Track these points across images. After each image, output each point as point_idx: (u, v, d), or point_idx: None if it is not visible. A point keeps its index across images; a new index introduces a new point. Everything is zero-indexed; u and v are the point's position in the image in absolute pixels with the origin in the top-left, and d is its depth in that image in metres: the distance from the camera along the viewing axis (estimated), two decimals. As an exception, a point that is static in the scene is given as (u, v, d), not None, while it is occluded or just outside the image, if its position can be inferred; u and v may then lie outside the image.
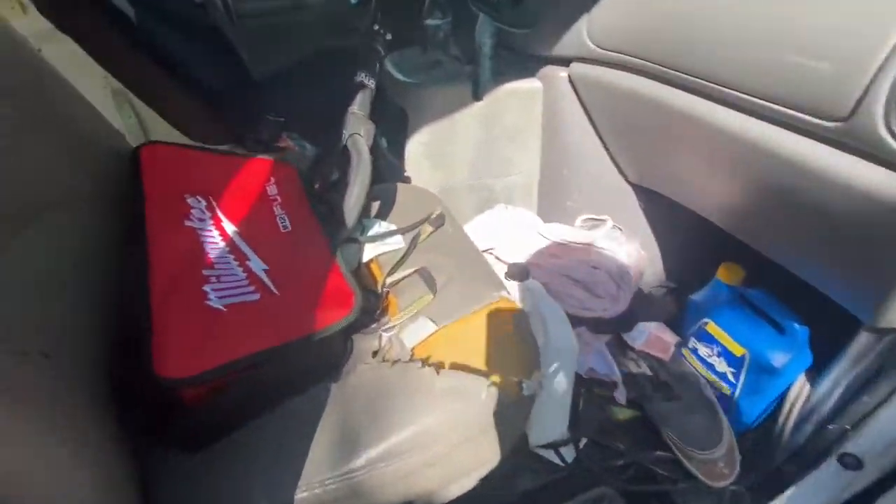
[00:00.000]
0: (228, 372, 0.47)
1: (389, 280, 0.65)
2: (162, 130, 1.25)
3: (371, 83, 0.74)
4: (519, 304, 0.71)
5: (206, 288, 0.52)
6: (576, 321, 0.83)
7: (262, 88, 1.36)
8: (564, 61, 0.80)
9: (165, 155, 0.64)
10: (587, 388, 0.83)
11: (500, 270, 0.89)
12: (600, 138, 0.84)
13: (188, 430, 0.48)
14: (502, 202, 0.99)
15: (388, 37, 0.77)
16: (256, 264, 0.58)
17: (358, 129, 0.70)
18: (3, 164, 0.45)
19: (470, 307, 0.58)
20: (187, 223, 0.58)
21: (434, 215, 0.75)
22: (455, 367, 0.51)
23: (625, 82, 0.71)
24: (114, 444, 0.43)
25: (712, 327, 0.81)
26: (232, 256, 0.57)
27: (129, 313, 0.49)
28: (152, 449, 0.48)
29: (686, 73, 0.59)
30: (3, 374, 0.33)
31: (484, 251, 0.92)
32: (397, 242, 0.72)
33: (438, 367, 0.50)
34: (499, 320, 0.56)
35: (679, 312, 0.90)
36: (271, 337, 0.50)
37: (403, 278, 0.66)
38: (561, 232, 0.90)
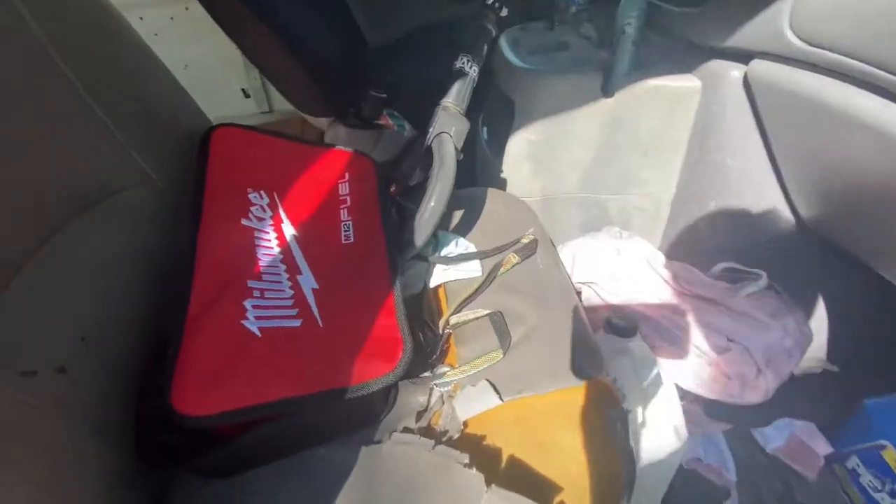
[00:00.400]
0: (250, 415, 0.40)
1: (454, 319, 0.54)
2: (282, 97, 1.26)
3: (473, 70, 0.60)
4: (614, 373, 0.56)
5: (247, 304, 0.46)
6: (687, 393, 0.65)
7: (373, 61, 1.30)
8: (742, 56, 0.58)
9: (236, 141, 0.58)
10: (685, 481, 0.65)
11: (598, 309, 0.73)
12: (773, 163, 0.62)
13: (205, 460, 0.44)
14: (616, 225, 0.81)
15: (504, 12, 0.62)
16: (307, 280, 0.50)
17: (447, 128, 0.58)
18: (63, 143, 0.42)
19: (549, 384, 0.45)
20: (245, 221, 0.52)
21: (525, 241, 0.61)
22: (513, 474, 0.38)
23: (838, 94, 0.48)
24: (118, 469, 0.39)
25: (890, 453, 0.57)
26: (284, 267, 0.51)
27: (164, 324, 0.45)
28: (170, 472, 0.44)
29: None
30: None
31: (581, 283, 0.76)
32: (473, 269, 0.60)
33: (490, 473, 0.38)
34: (587, 415, 0.42)
35: (841, 414, 0.66)
36: (304, 381, 0.43)
37: (471, 321, 0.54)
38: (690, 278, 0.70)
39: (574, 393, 0.44)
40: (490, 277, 0.57)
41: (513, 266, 0.59)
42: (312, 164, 0.61)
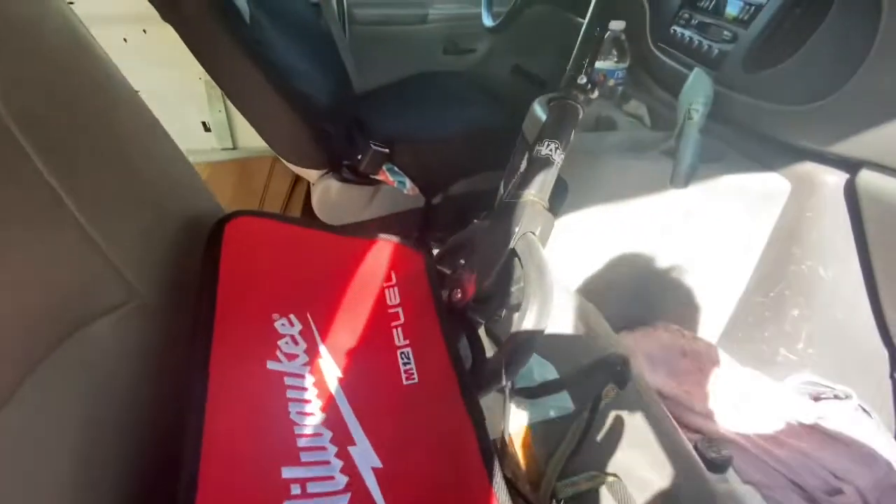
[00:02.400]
0: None
1: (563, 488, 0.40)
2: (250, 132, 1.09)
3: (560, 157, 0.50)
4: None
5: (284, 509, 0.30)
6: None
7: (374, 113, 1.18)
8: (845, 163, 0.53)
9: (255, 236, 0.43)
10: None
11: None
12: (871, 277, 0.56)
13: None
14: (669, 319, 0.72)
15: (595, 94, 0.53)
16: (364, 456, 0.35)
17: (533, 226, 0.46)
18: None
19: None
20: (271, 364, 0.37)
21: (617, 363, 0.50)
22: None
23: None
24: None
25: None
26: (330, 435, 0.35)
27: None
28: None
29: None
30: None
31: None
32: (563, 404, 0.47)
33: None
34: None
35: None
36: None
37: (585, 491, 0.40)
38: (769, 392, 0.61)
39: None
40: (590, 417, 0.44)
41: (612, 399, 0.47)
42: (352, 266, 0.47)
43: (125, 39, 1.51)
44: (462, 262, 0.53)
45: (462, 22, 1.51)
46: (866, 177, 0.51)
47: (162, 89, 1.58)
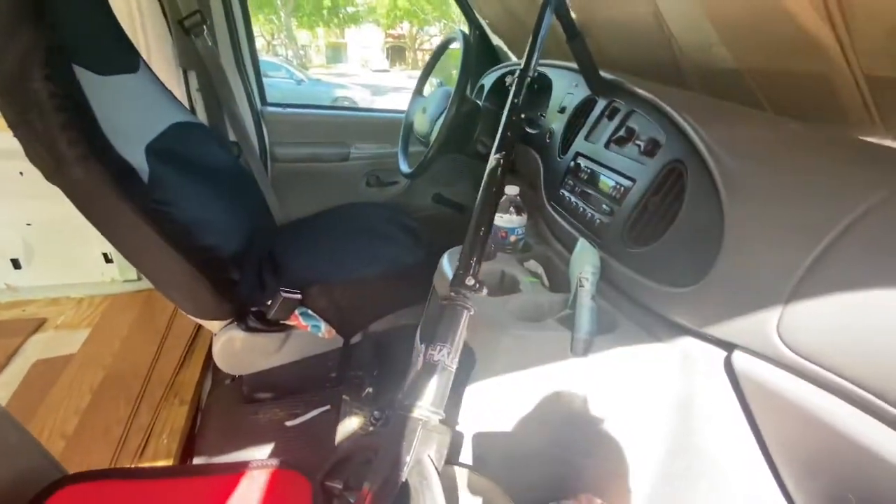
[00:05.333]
0: None
1: None
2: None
3: (453, 364, 0.48)
4: None
5: None
6: None
7: (284, 248, 1.15)
8: (723, 344, 0.56)
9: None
10: None
11: None
12: (764, 451, 0.57)
13: None
14: (589, 490, 0.69)
15: (484, 292, 0.53)
16: None
17: (428, 448, 0.43)
18: None
19: None
20: None
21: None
22: None
23: (825, 406, 0.46)
24: None
25: None
26: None
27: None
28: None
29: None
30: None
31: None
32: None
33: None
34: None
35: None
36: None
37: None
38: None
39: None
40: None
41: None
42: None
43: (21, 173, 1.43)
44: (355, 478, 0.47)
45: (383, 159, 1.60)
46: (739, 358, 0.55)
47: (59, 221, 1.47)
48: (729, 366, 0.56)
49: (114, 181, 0.77)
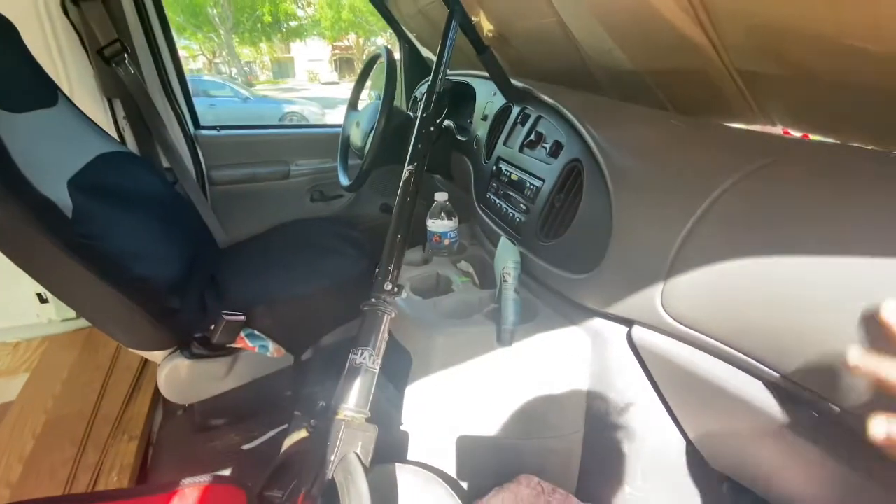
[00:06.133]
0: None
1: None
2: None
3: (376, 365, 0.52)
4: None
5: None
6: None
7: (228, 270, 1.15)
8: (623, 321, 0.63)
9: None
10: None
11: None
12: (671, 413, 0.63)
13: None
14: (530, 470, 0.74)
15: (404, 295, 0.57)
16: None
17: (352, 445, 0.46)
18: None
19: None
20: None
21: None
22: None
23: (703, 365, 0.53)
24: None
25: None
26: None
27: None
28: None
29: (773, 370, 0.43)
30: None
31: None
32: None
33: None
34: None
35: None
36: None
37: None
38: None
39: None
40: None
41: None
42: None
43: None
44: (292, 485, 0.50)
45: (325, 174, 1.62)
46: (637, 332, 0.61)
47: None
48: (630, 340, 0.62)
49: (33, 218, 0.76)
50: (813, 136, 0.87)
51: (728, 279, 0.50)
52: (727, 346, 0.50)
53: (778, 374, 0.46)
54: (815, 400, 0.43)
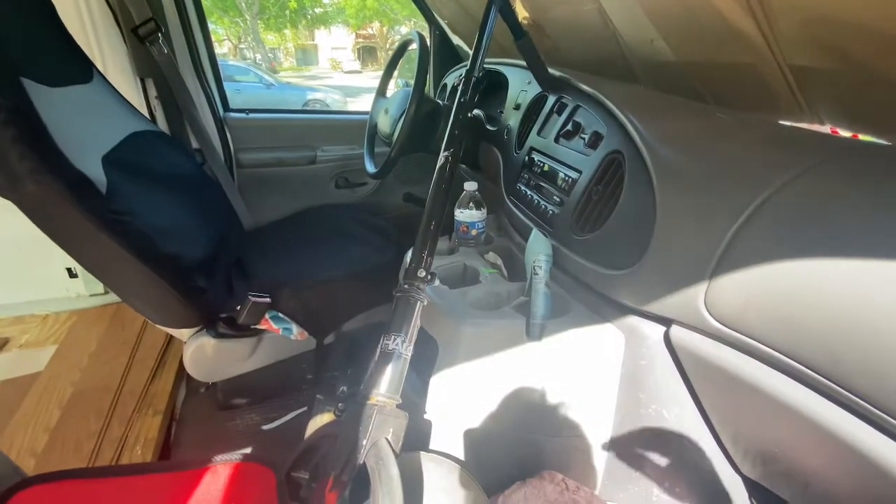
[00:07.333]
0: None
1: None
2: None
3: (408, 352, 0.51)
4: None
5: None
6: None
7: (253, 252, 1.16)
8: (661, 320, 0.61)
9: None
10: None
11: None
12: (705, 417, 0.61)
13: None
14: (553, 467, 0.72)
15: (436, 282, 0.56)
16: None
17: (384, 431, 0.45)
18: None
19: None
20: None
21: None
22: None
23: (746, 368, 0.51)
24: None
25: None
26: None
27: None
28: None
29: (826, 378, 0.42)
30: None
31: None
32: None
33: None
34: None
35: None
36: None
37: None
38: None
39: None
40: None
41: None
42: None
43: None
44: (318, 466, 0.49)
45: (351, 161, 1.61)
46: (676, 332, 0.59)
47: (18, 235, 1.44)
48: (668, 340, 0.60)
49: (68, 193, 0.76)
50: (863, 137, 0.83)
51: (780, 282, 0.48)
52: (775, 350, 0.48)
53: (832, 384, 0.44)
54: (872, 414, 0.41)
